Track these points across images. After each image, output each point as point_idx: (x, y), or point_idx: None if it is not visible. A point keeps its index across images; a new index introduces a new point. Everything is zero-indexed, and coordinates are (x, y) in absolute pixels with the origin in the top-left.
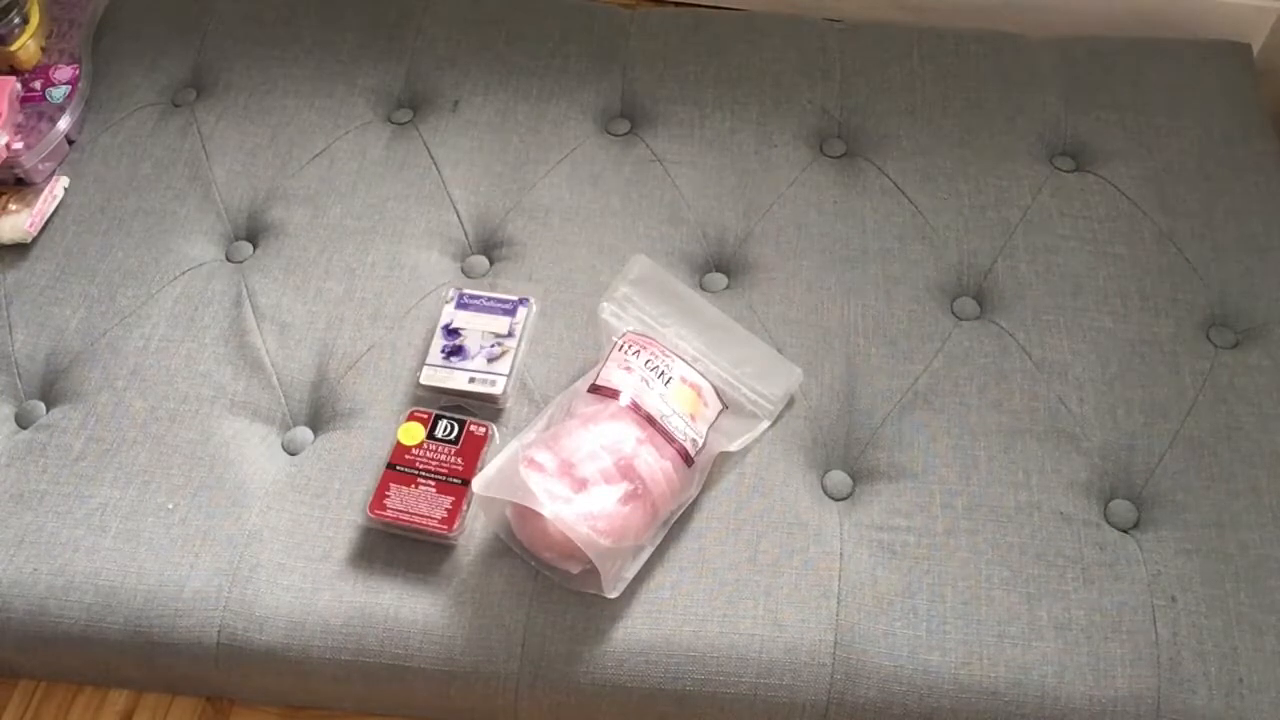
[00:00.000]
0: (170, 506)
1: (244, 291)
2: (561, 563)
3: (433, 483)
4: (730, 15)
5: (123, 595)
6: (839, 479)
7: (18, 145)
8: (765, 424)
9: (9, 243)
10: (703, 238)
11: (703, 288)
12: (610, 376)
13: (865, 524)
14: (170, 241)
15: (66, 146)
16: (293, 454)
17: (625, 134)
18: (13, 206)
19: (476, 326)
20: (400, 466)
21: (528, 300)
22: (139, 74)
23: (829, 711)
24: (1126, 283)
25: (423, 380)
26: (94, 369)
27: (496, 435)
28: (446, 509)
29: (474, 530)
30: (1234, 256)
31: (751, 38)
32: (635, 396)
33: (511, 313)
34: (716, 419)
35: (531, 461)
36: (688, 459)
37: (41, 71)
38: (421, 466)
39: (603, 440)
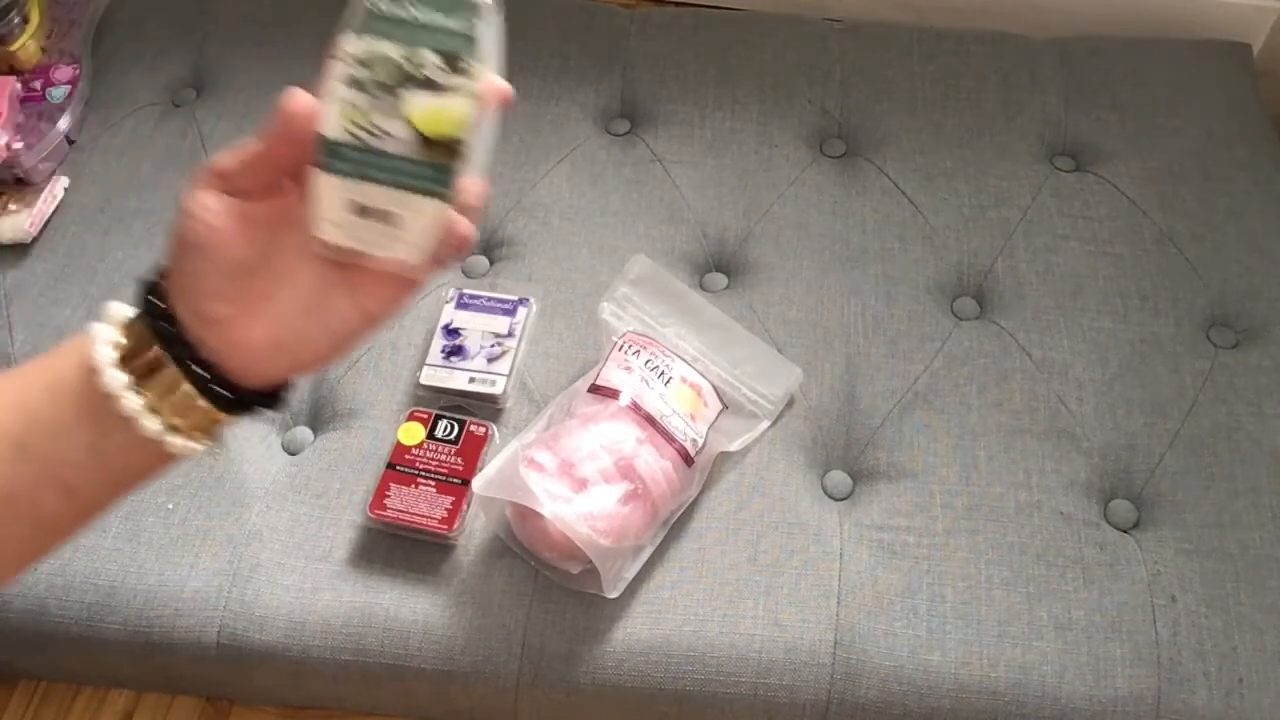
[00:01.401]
0: (170, 506)
1: None
2: (561, 563)
3: (433, 483)
4: (730, 15)
5: (123, 595)
6: (839, 479)
7: (18, 145)
8: (765, 424)
9: (9, 243)
10: (703, 238)
11: (703, 288)
12: (610, 376)
13: (865, 524)
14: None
15: (66, 146)
16: (293, 454)
17: (625, 134)
18: (13, 206)
19: (476, 326)
20: (400, 466)
21: (528, 300)
22: (139, 74)
23: (829, 711)
24: (1126, 283)
25: (423, 380)
26: None
27: (496, 435)
28: (446, 509)
29: (474, 530)
30: (1234, 256)
31: (751, 38)
32: (635, 396)
33: (511, 313)
34: (716, 419)
35: (531, 461)
36: (688, 459)
37: (41, 71)
38: (421, 466)
39: (603, 440)
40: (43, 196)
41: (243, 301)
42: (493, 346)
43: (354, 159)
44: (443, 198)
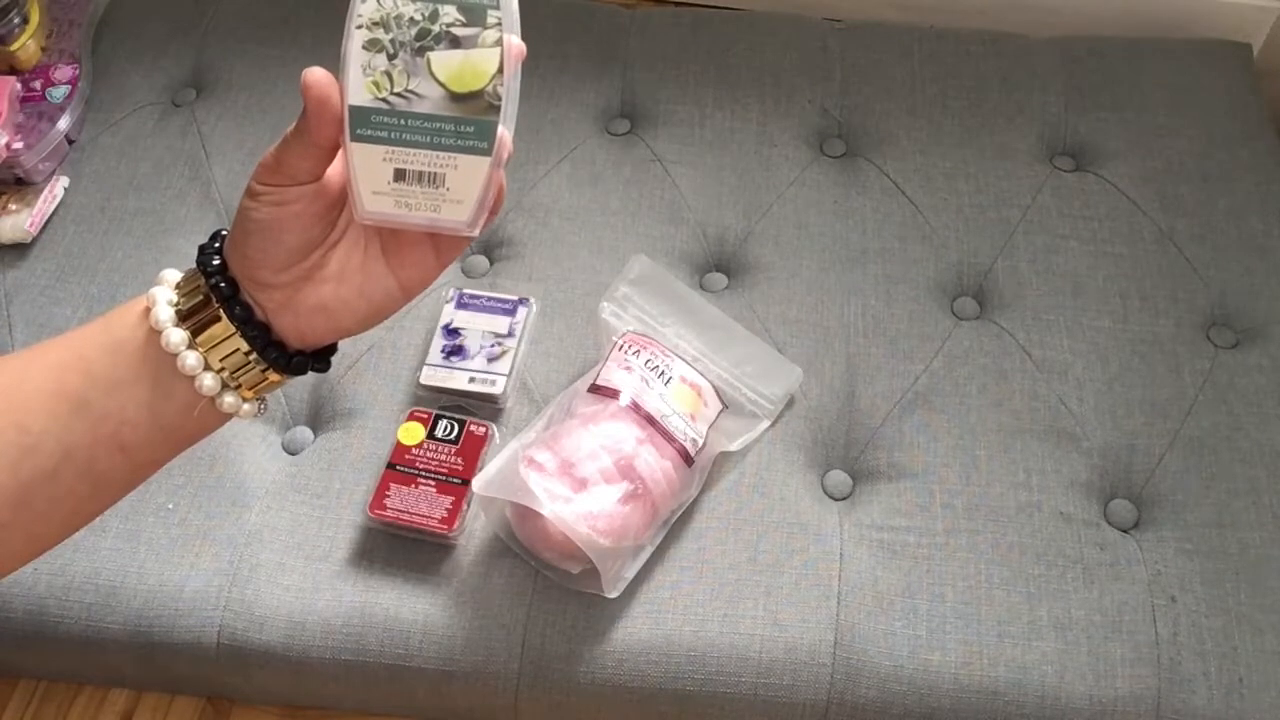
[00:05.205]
0: (170, 506)
1: None
2: (561, 563)
3: (433, 483)
4: (730, 15)
5: (123, 595)
6: (839, 479)
7: (18, 145)
8: (765, 424)
9: (9, 243)
10: (703, 238)
11: (703, 288)
12: (610, 376)
13: (865, 524)
14: (170, 241)
15: (66, 146)
16: (293, 454)
17: (625, 134)
18: (13, 206)
19: (476, 326)
20: (400, 466)
21: (528, 300)
22: (139, 74)
23: (829, 711)
24: (1126, 283)
25: (423, 380)
26: None
27: (496, 435)
28: (446, 509)
29: (474, 530)
30: (1234, 256)
31: (751, 38)
32: (635, 396)
33: (511, 313)
34: (716, 419)
35: (531, 461)
36: (688, 459)
37: (41, 71)
38: (421, 466)
39: (603, 440)
40: (43, 196)
41: (300, 270)
42: (493, 346)
43: (387, 124)
44: (484, 153)
